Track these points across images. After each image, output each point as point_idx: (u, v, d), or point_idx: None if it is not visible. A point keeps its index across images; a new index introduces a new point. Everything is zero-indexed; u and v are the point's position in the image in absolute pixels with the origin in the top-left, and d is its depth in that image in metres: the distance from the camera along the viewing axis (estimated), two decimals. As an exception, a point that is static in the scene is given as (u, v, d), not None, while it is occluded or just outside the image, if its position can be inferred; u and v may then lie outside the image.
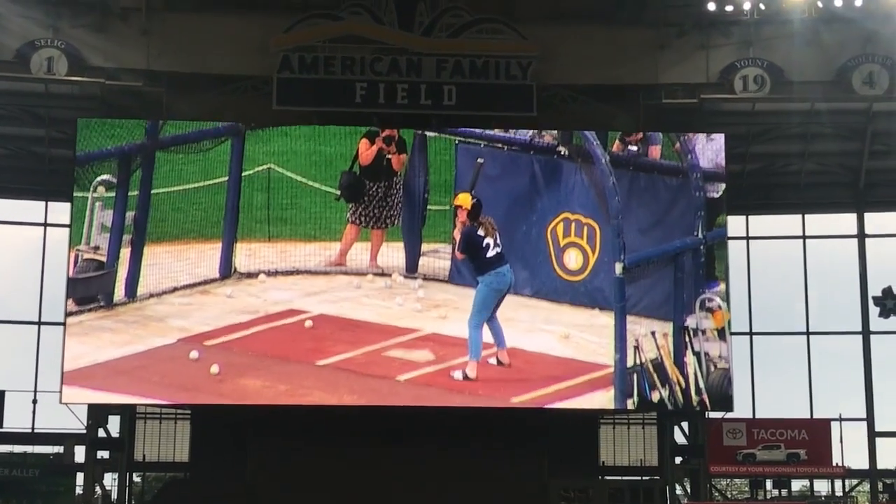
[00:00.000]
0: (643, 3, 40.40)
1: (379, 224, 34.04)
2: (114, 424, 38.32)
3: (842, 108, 40.11)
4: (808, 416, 40.65)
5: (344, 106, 37.77)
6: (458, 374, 30.94)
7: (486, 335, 30.38)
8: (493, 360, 31.01)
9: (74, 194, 34.63)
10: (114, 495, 38.58)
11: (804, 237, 42.49)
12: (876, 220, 42.48)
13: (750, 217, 41.89)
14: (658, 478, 39.20)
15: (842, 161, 42.16)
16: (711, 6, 39.42)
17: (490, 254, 29.86)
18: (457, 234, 30.57)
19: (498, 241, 30.02)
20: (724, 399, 35.53)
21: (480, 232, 29.80)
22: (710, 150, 35.74)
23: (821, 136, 41.00)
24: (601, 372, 32.09)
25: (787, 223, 42.54)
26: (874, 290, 41.15)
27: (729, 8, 39.52)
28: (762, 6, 39.52)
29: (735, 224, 39.27)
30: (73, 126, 35.72)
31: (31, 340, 40.01)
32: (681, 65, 40.07)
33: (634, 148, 34.64)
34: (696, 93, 39.48)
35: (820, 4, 39.08)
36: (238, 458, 37.06)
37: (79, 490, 37.89)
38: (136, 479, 42.21)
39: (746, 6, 39.50)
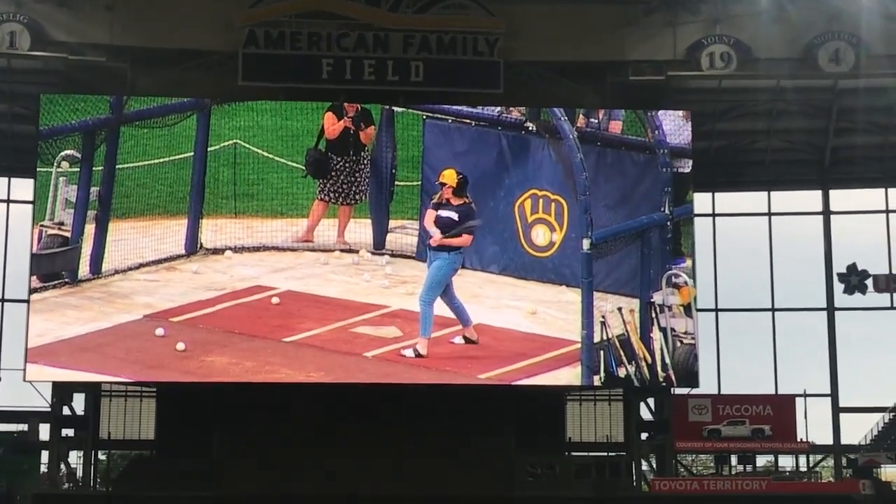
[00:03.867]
0: (611, -21, 40.41)
1: (347, 200, 33.92)
2: (79, 402, 38.24)
3: (808, 85, 40.30)
4: (773, 392, 41.01)
5: (310, 82, 37.59)
6: (409, 352, 30.81)
7: (441, 310, 30.05)
8: (459, 339, 30.72)
9: (38, 169, 34.42)
10: (79, 473, 38.49)
11: (769, 214, 42.73)
12: (841, 197, 42.75)
13: (716, 194, 42.09)
14: (624, 454, 39.41)
15: (807, 138, 42.40)
16: (679, -17, 39.52)
17: None
18: (430, 218, 29.99)
19: None
20: (689, 375, 35.73)
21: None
22: (676, 126, 35.78)
23: (787, 114, 41.22)
24: (568, 348, 32.14)
25: (753, 200, 42.79)
26: (839, 266, 41.50)
27: (696, -15, 39.62)
28: (729, -17, 39.61)
29: (701, 201, 39.56)
30: (36, 101, 35.51)
31: (-6, 318, 39.81)
32: (648, 42, 40.02)
33: (595, 121, 34.58)
34: (663, 70, 39.50)
35: (786, -19, 39.21)
36: (204, 436, 36.96)
37: (43, 468, 37.77)
38: (102, 457, 42.00)
39: (714, -17, 39.60)
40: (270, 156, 34.17)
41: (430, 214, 29.91)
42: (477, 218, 30.27)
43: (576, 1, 40.16)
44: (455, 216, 29.54)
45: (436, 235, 29.65)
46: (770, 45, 39.66)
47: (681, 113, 36.54)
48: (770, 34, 39.58)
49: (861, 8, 39.24)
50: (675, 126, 35.67)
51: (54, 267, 33.22)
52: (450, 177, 30.00)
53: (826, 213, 42.74)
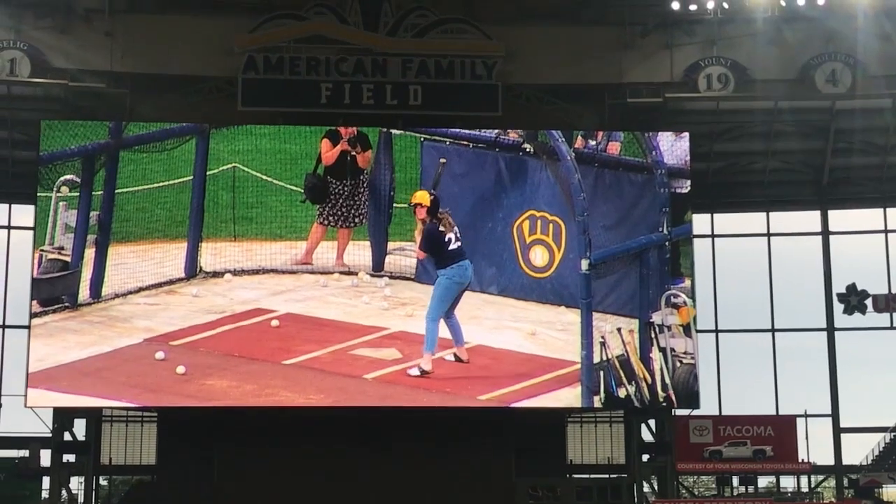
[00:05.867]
0: (607, 2, 40.61)
1: (347, 223, 34.02)
2: (80, 428, 38.17)
3: (805, 105, 40.47)
4: (774, 413, 41.00)
5: (309, 107, 37.83)
6: (414, 371, 30.68)
7: (444, 331, 29.79)
8: (450, 357, 30.65)
9: (38, 194, 34.55)
10: (80, 499, 38.39)
11: (769, 234, 42.81)
12: (839, 217, 42.81)
13: (715, 215, 42.14)
14: (626, 475, 39.34)
15: (805, 159, 42.49)
16: (675, 5, 39.71)
17: (452, 247, 29.28)
18: (418, 234, 29.94)
19: (458, 235, 29.41)
20: (690, 396, 35.67)
21: (441, 228, 29.29)
22: (674, 148, 35.93)
23: (784, 134, 41.34)
24: (568, 369, 32.03)
25: (752, 221, 42.85)
26: (838, 286, 41.48)
27: (692, 7, 39.83)
28: (725, 5, 39.87)
29: (700, 222, 39.56)
30: (37, 128, 35.61)
31: (-4, 344, 39.82)
32: (645, 64, 40.30)
33: (594, 142, 34.75)
34: (660, 92, 39.76)
35: (783, 3, 39.48)
36: (205, 460, 37.02)
37: (45, 494, 37.65)
38: (103, 482, 42.05)
39: (710, 5, 39.78)
40: (269, 179, 34.24)
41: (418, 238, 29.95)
42: (439, 233, 29.28)
43: (573, 24, 40.50)
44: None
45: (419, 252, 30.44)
46: (767, 66, 39.91)
47: (676, 134, 36.58)
48: (767, 55, 39.85)
49: (857, 29, 39.46)
50: (672, 147, 35.75)
51: (54, 291, 33.23)
52: (422, 197, 29.67)
53: (825, 233, 42.80)
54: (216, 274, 33.68)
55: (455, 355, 30.54)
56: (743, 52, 40.09)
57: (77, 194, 32.91)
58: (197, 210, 33.70)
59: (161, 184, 33.56)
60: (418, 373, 30.57)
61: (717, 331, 41.78)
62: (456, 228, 29.39)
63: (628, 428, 39.91)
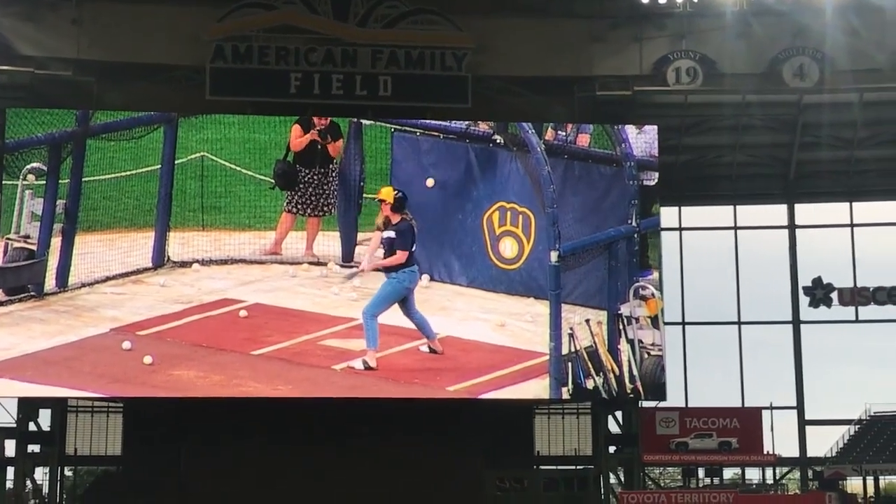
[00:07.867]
0: (577, -5, 40.73)
1: (315, 212, 33.91)
2: (45, 418, 37.94)
3: (773, 100, 40.73)
4: (740, 405, 41.18)
5: (278, 96, 37.67)
6: (358, 365, 30.67)
7: (403, 321, 29.92)
8: (424, 349, 30.70)
9: (3, 182, 34.21)
10: (45, 490, 38.06)
11: (735, 228, 43.05)
12: (806, 211, 43.07)
13: (682, 208, 42.32)
14: (592, 467, 39.52)
15: (773, 153, 42.75)
16: (645, -2, 39.78)
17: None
18: (375, 241, 29.61)
19: None
20: (657, 387, 35.84)
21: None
22: (643, 140, 36.01)
23: (752, 128, 41.58)
24: (537, 360, 32.09)
25: (719, 214, 43.08)
26: (804, 280, 41.87)
27: (662, 0, 39.79)
28: (695, -2, 39.95)
29: (668, 215, 39.76)
30: (2, 116, 35.16)
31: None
32: (615, 57, 40.37)
33: (564, 133, 34.77)
34: (629, 85, 39.84)
35: (751, -3, 39.61)
36: (171, 451, 36.84)
37: (9, 484, 37.39)
38: (68, 473, 41.72)
39: (679, -2, 39.89)
40: (238, 168, 34.08)
41: (376, 237, 29.59)
42: (416, 231, 29.48)
43: (543, 16, 40.48)
44: (393, 234, 29.21)
45: (366, 264, 30.19)
46: (735, 60, 40.10)
47: (646, 127, 36.65)
48: (735, 49, 40.05)
49: (825, 24, 39.64)
50: (641, 139, 35.82)
51: (20, 280, 32.96)
52: (387, 193, 29.63)
53: (791, 226, 43.09)
54: (184, 264, 33.49)
55: (429, 347, 30.58)
56: (712, 45, 40.27)
57: (43, 182, 32.67)
58: (165, 199, 33.50)
59: (129, 172, 33.32)
60: (362, 367, 30.54)
61: (683, 323, 42.01)
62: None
63: (595, 419, 40.02)
